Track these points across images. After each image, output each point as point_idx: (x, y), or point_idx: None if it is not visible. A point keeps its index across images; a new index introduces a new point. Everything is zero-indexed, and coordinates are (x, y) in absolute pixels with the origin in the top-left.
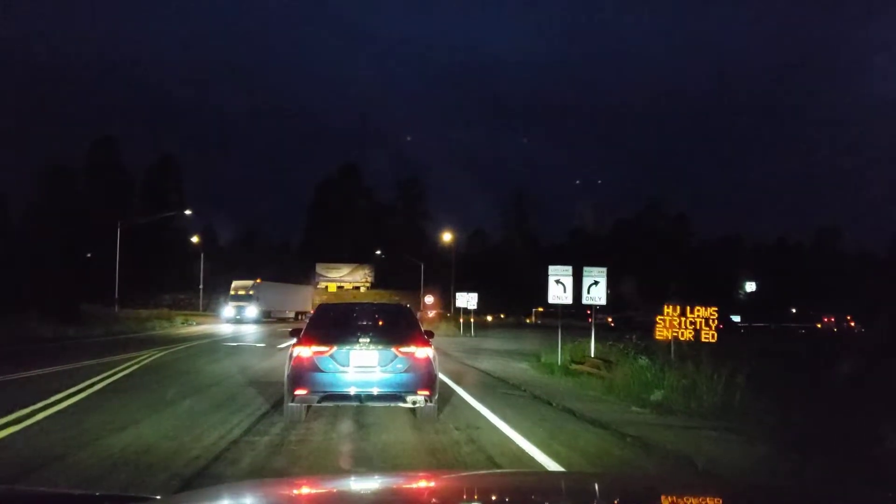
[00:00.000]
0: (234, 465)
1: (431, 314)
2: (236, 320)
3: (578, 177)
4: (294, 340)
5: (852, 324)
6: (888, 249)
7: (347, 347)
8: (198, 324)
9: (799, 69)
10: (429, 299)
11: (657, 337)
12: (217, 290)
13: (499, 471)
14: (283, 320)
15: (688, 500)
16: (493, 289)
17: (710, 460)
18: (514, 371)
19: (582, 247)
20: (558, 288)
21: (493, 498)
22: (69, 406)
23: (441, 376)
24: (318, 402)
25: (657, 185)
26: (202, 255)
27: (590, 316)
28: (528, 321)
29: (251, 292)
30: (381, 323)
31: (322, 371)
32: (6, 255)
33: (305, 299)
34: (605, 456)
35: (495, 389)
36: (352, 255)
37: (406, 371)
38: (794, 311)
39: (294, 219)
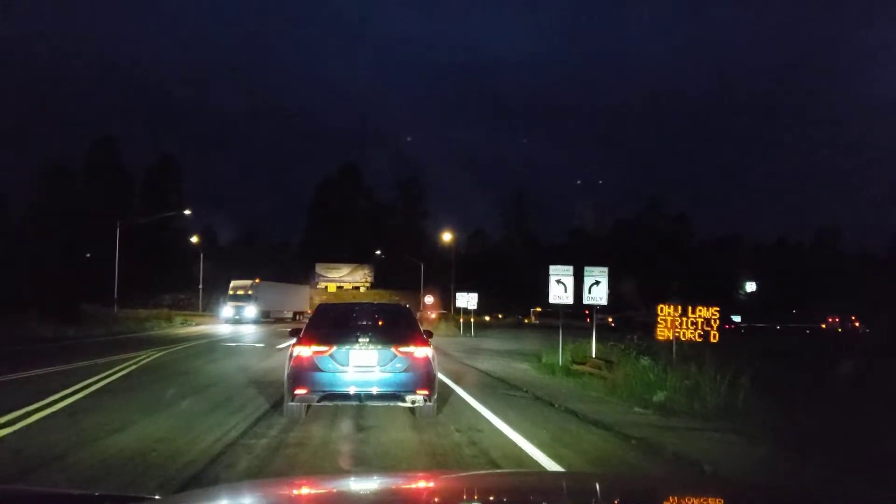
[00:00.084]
0: (231, 469)
1: (433, 315)
2: (235, 320)
3: (578, 177)
4: (294, 340)
5: (857, 324)
6: (888, 249)
7: (347, 347)
8: (197, 324)
9: (799, 69)
10: (429, 299)
11: (658, 337)
12: (217, 290)
13: (499, 471)
14: (281, 320)
15: (689, 500)
16: (493, 289)
17: (717, 463)
18: (514, 371)
19: (582, 247)
20: (559, 288)
21: (494, 498)
22: (65, 407)
23: (442, 377)
24: (318, 401)
25: (657, 185)
26: (202, 256)
27: (588, 316)
28: (526, 321)
29: (250, 292)
30: (380, 323)
31: (322, 371)
32: (6, 255)
33: (303, 299)
34: (610, 459)
35: (496, 390)
36: (352, 255)
37: (405, 371)
38: (797, 311)
39: (294, 219)
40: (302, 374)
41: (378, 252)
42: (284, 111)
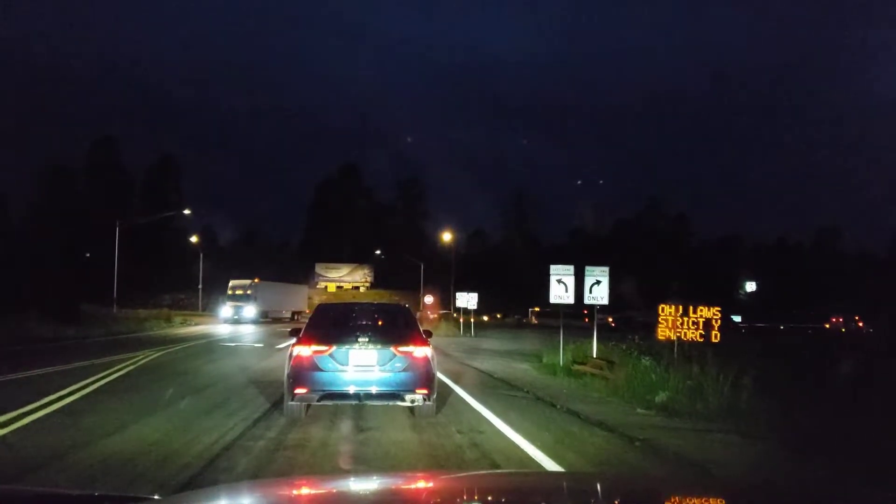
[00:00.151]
0: (228, 472)
1: (433, 315)
2: (234, 320)
3: (578, 177)
4: (294, 340)
5: (860, 324)
6: (888, 249)
7: (347, 347)
8: (196, 324)
9: (799, 69)
10: (428, 299)
11: (659, 337)
12: (216, 290)
13: (498, 471)
14: (279, 320)
15: (689, 500)
16: (492, 289)
17: (722, 465)
18: (515, 372)
19: (582, 247)
20: (560, 287)
21: (494, 498)
22: (61, 408)
23: (442, 377)
24: (318, 400)
25: (657, 185)
26: (201, 255)
27: (587, 316)
28: (524, 321)
29: (249, 292)
30: (380, 323)
31: (322, 370)
32: (6, 255)
33: (301, 299)
34: (615, 461)
35: (497, 391)
36: (351, 255)
37: (405, 370)
38: (800, 311)
39: (294, 219)
40: (302, 373)
41: (378, 252)
42: (284, 111)
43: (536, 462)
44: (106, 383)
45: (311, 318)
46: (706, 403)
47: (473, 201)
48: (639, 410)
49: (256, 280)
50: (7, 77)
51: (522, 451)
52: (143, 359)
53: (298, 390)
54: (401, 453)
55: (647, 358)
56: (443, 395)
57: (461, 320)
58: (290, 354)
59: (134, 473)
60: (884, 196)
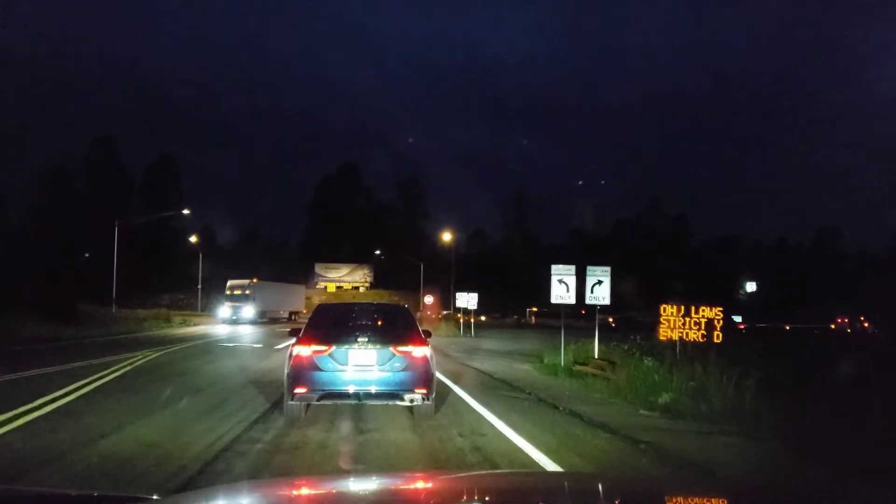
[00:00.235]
0: (224, 476)
1: (434, 315)
2: (232, 321)
3: (578, 177)
4: (294, 340)
5: (866, 325)
6: (888, 249)
7: (346, 347)
8: (195, 324)
9: (799, 69)
10: (428, 299)
11: (661, 337)
12: (216, 290)
13: (498, 471)
14: (277, 321)
15: (690, 500)
16: (492, 289)
17: (730, 469)
18: (516, 372)
19: (582, 247)
20: (561, 287)
21: (494, 498)
22: (55, 409)
23: (443, 378)
24: (318, 400)
25: (657, 185)
26: (201, 255)
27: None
28: (522, 321)
29: (247, 292)
30: (379, 323)
31: (321, 370)
32: (6, 255)
33: (299, 299)
34: (620, 465)
35: (499, 392)
36: (351, 255)
37: (404, 370)
38: (806, 311)
39: (294, 219)
40: (301, 373)
41: (378, 252)
42: (284, 111)
43: (540, 465)
44: (101, 385)
45: (310, 318)
46: (710, 405)
47: (473, 201)
48: (642, 412)
49: (255, 280)
50: (7, 77)
51: (525, 454)
52: (140, 359)
53: (298, 390)
54: (401, 457)
55: (649, 359)
56: (444, 397)
57: (461, 320)
58: (290, 354)
59: (127, 477)
60: (884, 196)
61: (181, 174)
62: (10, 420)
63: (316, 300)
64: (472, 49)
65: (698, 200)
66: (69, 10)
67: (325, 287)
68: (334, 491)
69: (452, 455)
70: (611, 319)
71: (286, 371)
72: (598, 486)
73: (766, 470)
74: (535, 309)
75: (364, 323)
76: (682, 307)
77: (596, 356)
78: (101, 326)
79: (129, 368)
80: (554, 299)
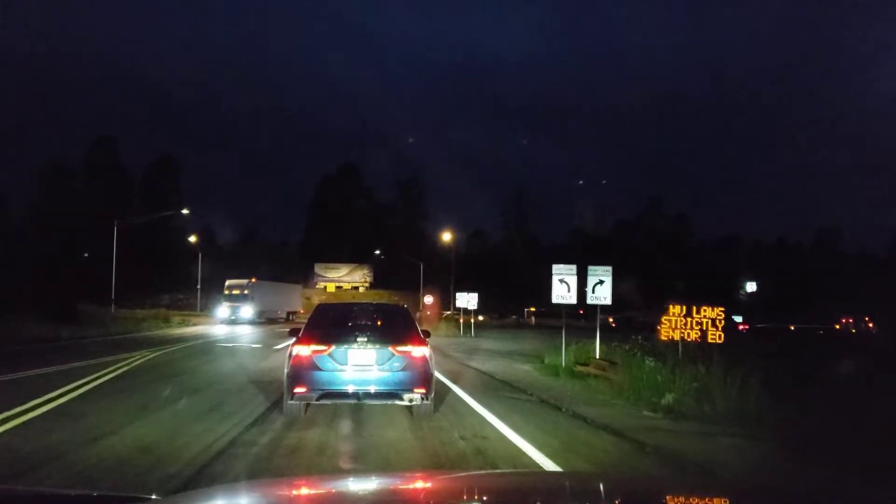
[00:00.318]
0: (219, 481)
1: (432, 315)
2: (231, 321)
3: (578, 177)
4: (293, 340)
5: (871, 325)
6: (888, 249)
7: (346, 346)
8: (195, 324)
9: (799, 69)
10: (428, 299)
11: (662, 338)
12: (215, 290)
13: (498, 471)
14: (275, 321)
15: (690, 500)
16: (492, 289)
17: (738, 471)
18: (517, 373)
19: (582, 247)
20: (562, 287)
21: (494, 498)
22: (49, 411)
23: (444, 379)
24: (317, 399)
25: (657, 185)
26: (200, 255)
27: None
28: (521, 321)
29: (246, 292)
30: (378, 323)
31: (321, 370)
32: (5, 255)
33: (296, 299)
34: (626, 469)
35: (500, 393)
36: (351, 255)
37: (403, 370)
38: (803, 311)
39: (293, 219)
40: (301, 372)
41: (377, 252)
42: (284, 111)
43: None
44: (96, 386)
45: (310, 318)
46: (713, 406)
47: (473, 201)
48: (645, 413)
49: (253, 279)
50: (7, 77)
51: (529, 458)
52: (138, 360)
53: (298, 389)
54: (401, 461)
55: (651, 359)
56: (444, 398)
57: (461, 320)
58: (290, 354)
59: (119, 482)
60: (884, 196)
61: (181, 174)
62: (4, 421)
63: (315, 300)
64: (472, 49)
65: (698, 200)
66: (69, 10)
67: (325, 287)
68: (334, 490)
69: (454, 459)
70: (611, 320)
71: (286, 371)
72: (597, 486)
73: (771, 471)
74: (533, 309)
75: (363, 323)
76: (684, 307)
77: (597, 356)
78: (100, 326)
79: (125, 369)
80: (555, 299)
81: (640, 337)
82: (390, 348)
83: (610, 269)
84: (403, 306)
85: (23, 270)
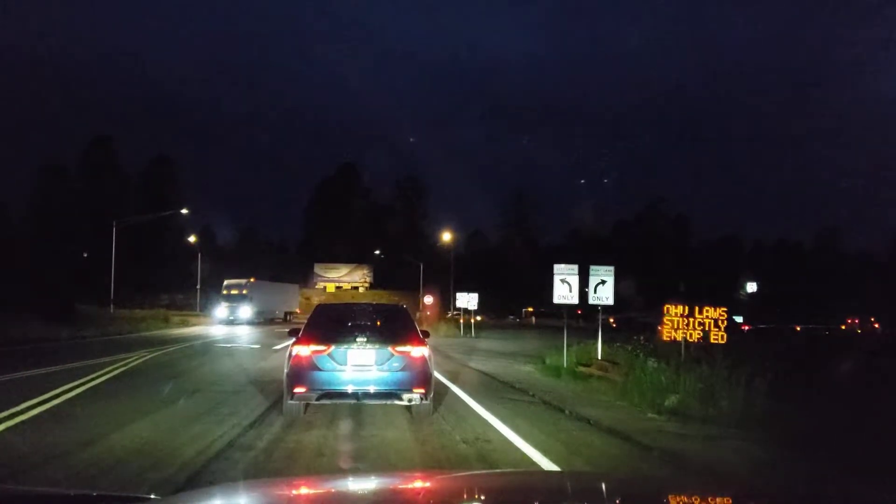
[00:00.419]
0: (218, 482)
1: (432, 315)
2: (229, 321)
3: (578, 177)
4: (293, 340)
5: (876, 325)
6: (889, 250)
7: (345, 347)
8: (194, 325)
9: (799, 69)
10: (428, 300)
11: (664, 338)
12: (215, 290)
13: (498, 470)
14: (272, 321)
15: (691, 499)
16: (492, 289)
17: (748, 477)
18: (519, 374)
19: (582, 247)
20: (564, 287)
21: (493, 498)
22: (42, 413)
23: (444, 380)
24: (317, 399)
25: (657, 185)
26: (199, 255)
27: (581, 316)
28: (518, 321)
29: (244, 291)
30: (378, 323)
31: (320, 370)
32: (4, 255)
33: (294, 299)
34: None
35: (502, 395)
36: (351, 256)
37: (402, 370)
38: (811, 312)
39: (293, 219)
40: (301, 372)
41: (377, 252)
42: (284, 111)
43: None
44: (92, 387)
45: (309, 319)
46: (718, 407)
47: (473, 201)
48: (650, 415)
49: (252, 279)
50: (6, 77)
51: (535, 463)
52: (134, 360)
53: (297, 389)
54: (402, 467)
55: (654, 360)
56: (446, 400)
57: (461, 321)
58: (290, 354)
59: (117, 485)
60: (884, 196)
61: (180, 174)
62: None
63: (315, 300)
64: (471, 49)
65: (698, 200)
66: (68, 10)
67: (325, 287)
68: (333, 490)
69: (457, 464)
70: (612, 320)
71: (285, 371)
72: (597, 486)
73: (782, 475)
74: (531, 309)
75: (363, 323)
76: (686, 307)
77: (599, 357)
78: (98, 327)
79: (122, 370)
80: (556, 299)
81: (641, 337)
82: (389, 348)
83: (612, 269)
84: (402, 306)
85: (21, 270)
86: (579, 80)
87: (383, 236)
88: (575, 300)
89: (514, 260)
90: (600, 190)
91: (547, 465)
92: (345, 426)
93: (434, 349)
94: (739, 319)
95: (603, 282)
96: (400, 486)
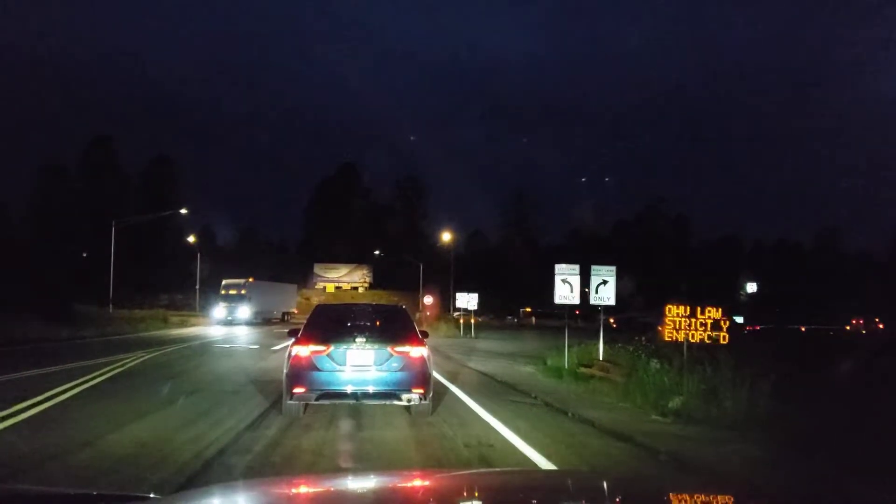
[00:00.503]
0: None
1: (431, 316)
2: (228, 321)
3: (578, 177)
4: (292, 340)
5: (881, 325)
6: (889, 250)
7: (344, 347)
8: (193, 325)
9: (799, 69)
10: (428, 300)
11: (666, 338)
12: (214, 290)
13: (497, 469)
14: (270, 321)
15: (691, 499)
16: (492, 289)
17: (758, 478)
18: (519, 375)
19: (582, 247)
20: (565, 287)
21: (493, 497)
22: (41, 413)
23: (445, 381)
24: (316, 399)
25: (657, 185)
26: (199, 255)
27: (580, 316)
28: (516, 321)
29: (243, 291)
30: (377, 323)
31: (320, 370)
32: (3, 255)
33: (291, 300)
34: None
35: (503, 396)
36: (350, 256)
37: (401, 370)
38: (814, 312)
39: (293, 219)
40: (300, 373)
41: (377, 252)
42: (284, 111)
43: None
44: (89, 387)
45: (309, 319)
46: (722, 409)
47: (473, 201)
48: (654, 417)
49: (251, 279)
50: (6, 77)
51: (538, 467)
52: (131, 361)
53: (297, 389)
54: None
55: (656, 360)
56: (446, 402)
57: (461, 321)
58: (289, 354)
59: (119, 484)
60: (884, 196)
61: (180, 174)
62: None
63: (315, 300)
64: (471, 49)
65: (698, 200)
66: (69, 10)
67: (325, 287)
68: (333, 489)
69: (458, 467)
70: (612, 320)
71: (285, 371)
72: (597, 485)
73: (786, 476)
74: (528, 309)
75: (362, 323)
76: (688, 308)
77: (600, 358)
78: (97, 327)
79: (119, 370)
80: (558, 299)
81: (643, 338)
82: (388, 349)
83: (614, 269)
84: (402, 307)
85: (21, 270)
86: (579, 80)
87: (383, 236)
88: (576, 300)
89: (514, 260)
90: (600, 190)
91: (549, 468)
92: (343, 429)
93: (433, 349)
94: (740, 320)
95: (605, 282)
96: (400, 485)
